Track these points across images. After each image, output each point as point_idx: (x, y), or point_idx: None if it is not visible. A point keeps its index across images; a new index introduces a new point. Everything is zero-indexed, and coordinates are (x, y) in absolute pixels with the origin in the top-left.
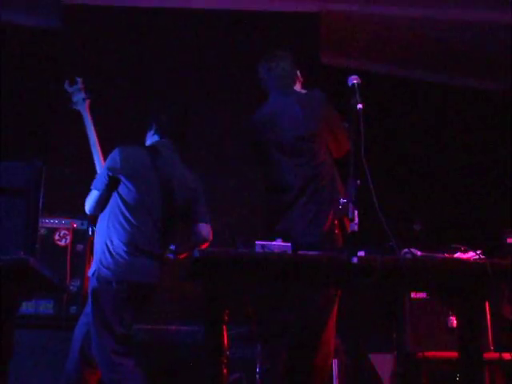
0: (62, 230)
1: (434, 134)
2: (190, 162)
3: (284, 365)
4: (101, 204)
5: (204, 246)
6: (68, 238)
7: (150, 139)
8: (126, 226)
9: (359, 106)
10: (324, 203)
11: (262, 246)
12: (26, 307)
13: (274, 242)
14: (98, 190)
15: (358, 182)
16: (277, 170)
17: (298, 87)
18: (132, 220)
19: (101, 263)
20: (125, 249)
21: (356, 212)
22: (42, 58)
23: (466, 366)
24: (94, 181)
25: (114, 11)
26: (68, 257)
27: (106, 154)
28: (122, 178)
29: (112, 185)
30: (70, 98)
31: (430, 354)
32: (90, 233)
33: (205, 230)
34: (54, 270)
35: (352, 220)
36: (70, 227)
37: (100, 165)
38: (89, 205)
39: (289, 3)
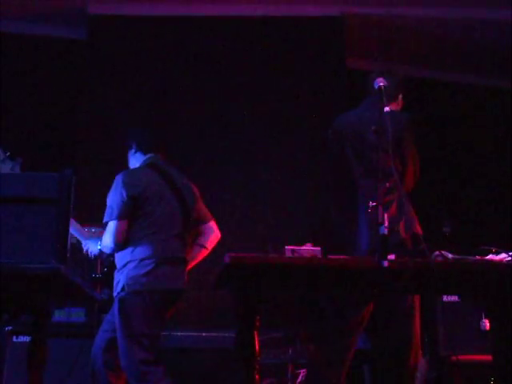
0: None
1: (461, 135)
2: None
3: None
4: (124, 230)
5: (215, 243)
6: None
7: (134, 158)
8: (150, 239)
9: (386, 108)
10: None
11: (292, 251)
12: (59, 315)
13: (303, 247)
14: (117, 219)
15: (387, 184)
16: None
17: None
18: (156, 233)
19: (129, 277)
20: (151, 260)
21: (386, 215)
22: (67, 69)
23: (500, 369)
24: (108, 212)
25: (139, 21)
26: (98, 265)
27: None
28: (137, 199)
29: (128, 208)
30: None
31: (463, 357)
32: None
33: (215, 226)
34: (84, 279)
35: (382, 223)
36: (100, 236)
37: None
38: (111, 239)
39: (311, 8)
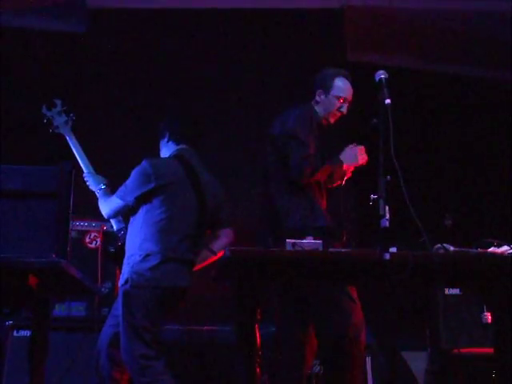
0: (92, 233)
1: (462, 128)
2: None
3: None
4: (120, 214)
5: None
6: (98, 240)
7: (166, 147)
8: (160, 234)
9: (387, 101)
10: None
11: (293, 244)
12: (59, 309)
13: (304, 240)
14: (124, 201)
15: (388, 177)
16: None
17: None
18: (167, 229)
19: (134, 271)
20: (159, 256)
21: (387, 208)
22: (67, 62)
23: (502, 362)
24: (121, 190)
25: (139, 14)
26: (99, 259)
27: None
28: (157, 190)
29: (143, 198)
30: (50, 123)
31: (465, 350)
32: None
33: (231, 234)
34: (85, 273)
35: (383, 216)
36: (100, 229)
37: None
38: (108, 210)
39: (311, 0)
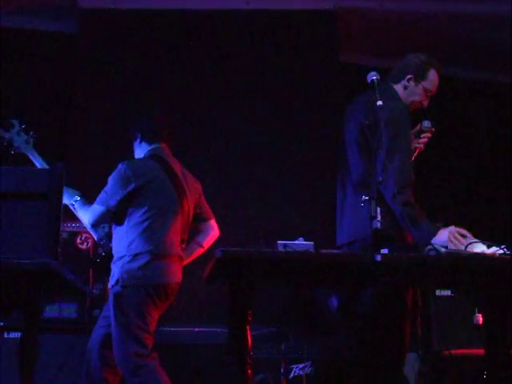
0: (83, 234)
1: (454, 132)
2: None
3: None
4: (103, 221)
5: (213, 242)
6: (90, 241)
7: (139, 148)
8: (146, 233)
9: (379, 102)
10: None
11: (284, 246)
12: (50, 311)
13: (296, 241)
14: (106, 207)
15: (380, 178)
16: None
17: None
18: (152, 227)
19: (124, 271)
20: (147, 254)
21: (378, 209)
22: (58, 63)
23: (493, 363)
24: (102, 196)
25: (130, 14)
26: (90, 260)
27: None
28: (138, 190)
29: (125, 200)
30: (10, 144)
31: (456, 351)
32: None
33: (215, 225)
34: (76, 274)
35: (374, 217)
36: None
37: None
38: (91, 218)
39: (304, 1)
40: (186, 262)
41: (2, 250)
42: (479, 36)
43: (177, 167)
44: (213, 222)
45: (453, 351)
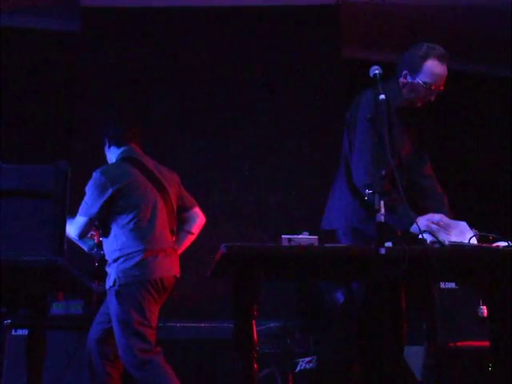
0: None
1: (459, 126)
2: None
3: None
4: (88, 231)
5: (201, 227)
6: (95, 238)
7: (110, 153)
8: (136, 233)
9: (381, 96)
10: None
11: (289, 240)
12: (57, 308)
13: (300, 236)
14: (89, 216)
15: (383, 172)
16: None
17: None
18: (140, 226)
19: (120, 270)
20: (140, 252)
21: (382, 202)
22: (60, 62)
23: (498, 355)
24: (83, 207)
25: (132, 12)
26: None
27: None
28: (116, 194)
29: (107, 206)
30: None
31: (461, 344)
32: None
33: (199, 211)
34: (82, 271)
35: (378, 211)
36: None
37: None
38: (76, 230)
39: None
40: (180, 251)
41: (8, 248)
42: (483, 29)
43: (150, 164)
44: (197, 209)
45: (458, 344)
